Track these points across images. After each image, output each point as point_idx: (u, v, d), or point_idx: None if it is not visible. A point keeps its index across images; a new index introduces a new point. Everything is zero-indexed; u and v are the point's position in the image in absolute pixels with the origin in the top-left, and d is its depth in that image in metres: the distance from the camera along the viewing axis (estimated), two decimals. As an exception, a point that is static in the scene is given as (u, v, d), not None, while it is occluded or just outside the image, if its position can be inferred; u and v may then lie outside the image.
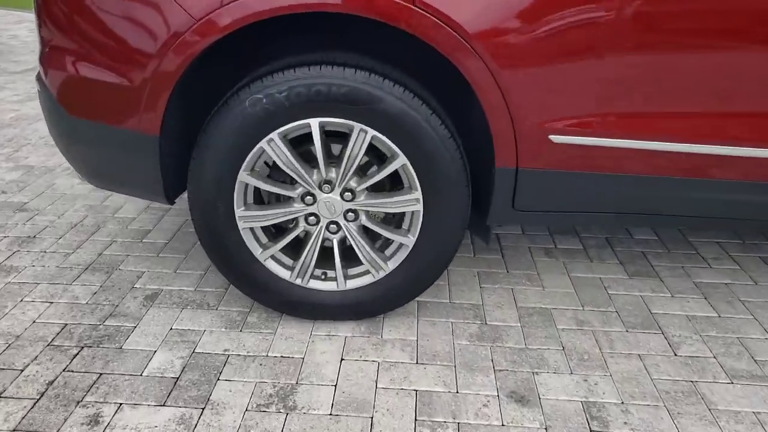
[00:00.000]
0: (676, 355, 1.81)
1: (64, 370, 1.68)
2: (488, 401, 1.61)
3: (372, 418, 1.54)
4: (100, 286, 2.07)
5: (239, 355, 1.77)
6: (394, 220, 1.85)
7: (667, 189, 1.63)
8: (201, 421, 1.52)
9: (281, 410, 1.56)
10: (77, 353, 1.75)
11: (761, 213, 1.70)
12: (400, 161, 1.61)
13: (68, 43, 1.61)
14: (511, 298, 2.07)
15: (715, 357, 1.80)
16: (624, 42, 1.42)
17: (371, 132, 1.57)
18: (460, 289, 2.10)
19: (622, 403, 1.61)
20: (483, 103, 1.53)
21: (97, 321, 1.90)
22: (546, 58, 1.44)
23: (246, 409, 1.56)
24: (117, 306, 1.97)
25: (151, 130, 1.62)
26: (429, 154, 1.58)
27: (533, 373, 1.71)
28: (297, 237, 1.80)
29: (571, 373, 1.72)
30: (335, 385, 1.65)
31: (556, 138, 1.56)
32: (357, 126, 1.57)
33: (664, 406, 1.61)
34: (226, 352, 1.78)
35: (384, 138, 1.58)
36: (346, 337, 1.85)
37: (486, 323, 1.93)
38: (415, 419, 1.54)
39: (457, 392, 1.64)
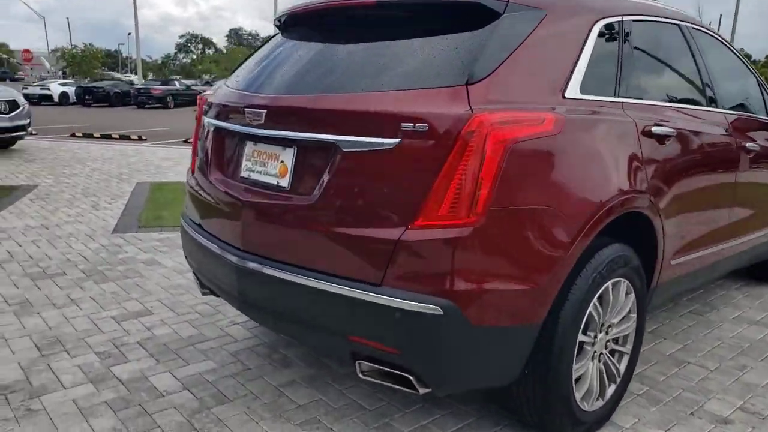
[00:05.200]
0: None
1: None
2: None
3: None
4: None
5: None
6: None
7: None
8: None
9: None
10: None
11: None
12: (632, 297, 2.22)
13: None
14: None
15: None
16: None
17: (626, 282, 2.16)
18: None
19: None
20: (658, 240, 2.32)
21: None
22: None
23: None
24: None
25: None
26: (643, 285, 2.26)
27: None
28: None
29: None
30: None
31: (673, 261, 2.53)
32: (622, 280, 2.15)
33: None
34: None
35: (629, 283, 2.17)
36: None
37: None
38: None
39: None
